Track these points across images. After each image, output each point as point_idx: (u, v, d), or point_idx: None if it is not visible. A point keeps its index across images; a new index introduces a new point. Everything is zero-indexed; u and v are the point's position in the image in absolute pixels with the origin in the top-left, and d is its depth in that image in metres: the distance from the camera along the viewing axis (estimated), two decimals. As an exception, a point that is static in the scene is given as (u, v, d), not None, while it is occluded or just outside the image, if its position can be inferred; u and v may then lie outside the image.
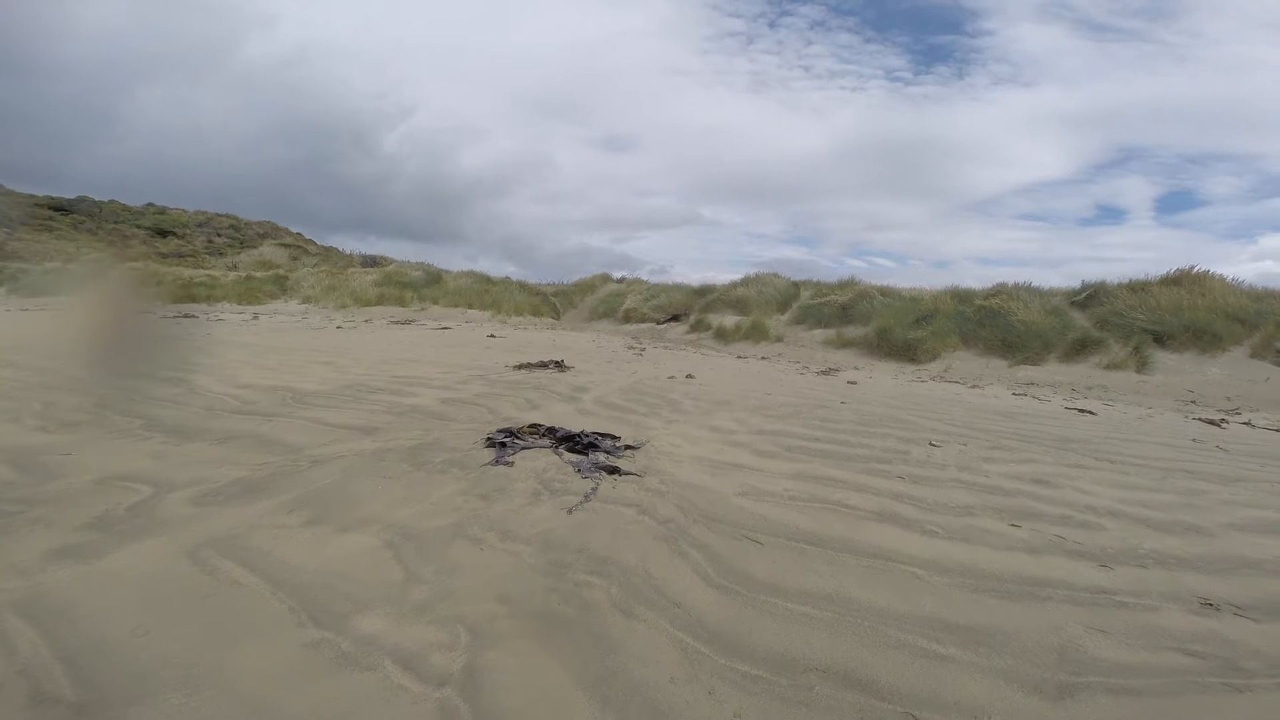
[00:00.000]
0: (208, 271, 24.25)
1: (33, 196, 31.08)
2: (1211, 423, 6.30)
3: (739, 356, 12.22)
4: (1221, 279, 12.22)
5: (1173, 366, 9.97)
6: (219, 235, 35.35)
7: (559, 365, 7.15)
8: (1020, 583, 2.05)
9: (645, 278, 22.56)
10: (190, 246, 32.49)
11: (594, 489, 2.72)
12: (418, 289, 20.92)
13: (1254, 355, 9.91)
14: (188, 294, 20.08)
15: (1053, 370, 10.42)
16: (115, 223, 31.74)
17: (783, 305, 16.47)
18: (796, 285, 17.37)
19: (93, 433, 3.30)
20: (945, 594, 1.94)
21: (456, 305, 19.86)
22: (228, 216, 37.87)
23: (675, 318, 17.84)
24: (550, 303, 21.43)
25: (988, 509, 2.79)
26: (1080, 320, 11.90)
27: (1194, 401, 8.23)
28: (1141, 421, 6.11)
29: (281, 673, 1.38)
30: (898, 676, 1.50)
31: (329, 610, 1.63)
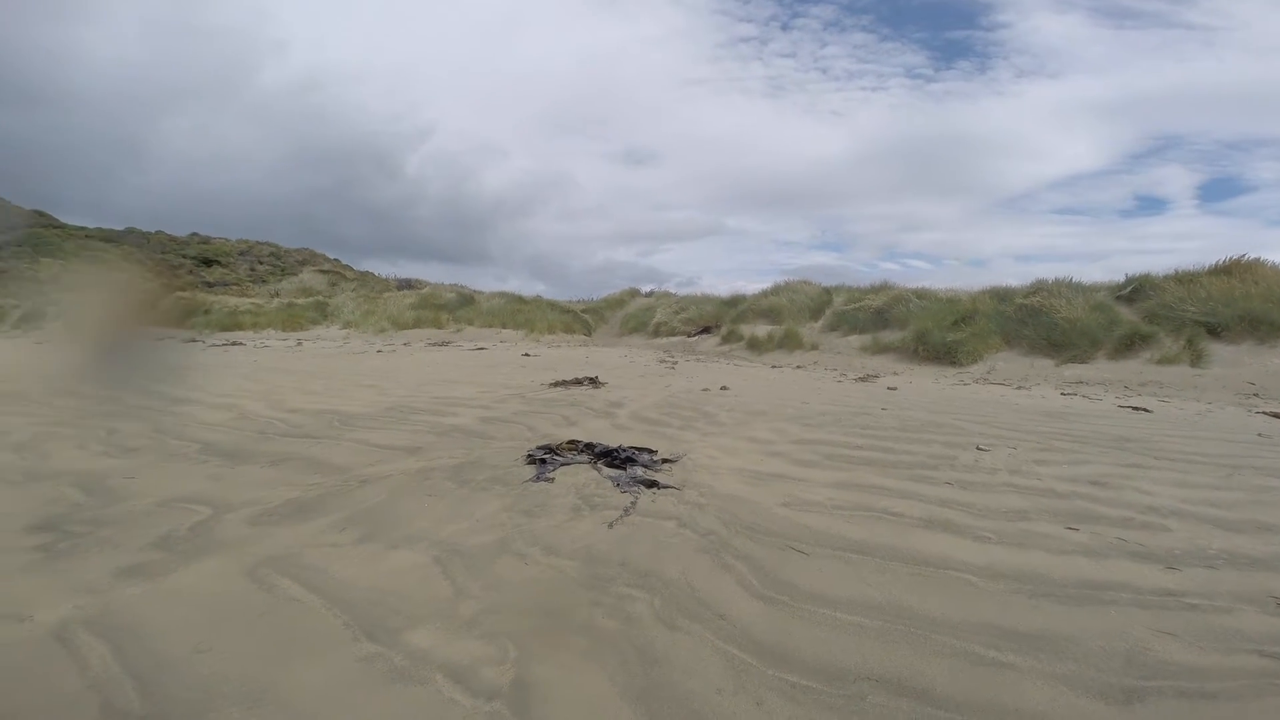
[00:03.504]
0: (252, 299, 25.16)
1: (84, 229, 32.72)
2: (1277, 416, 5.98)
3: (773, 366, 12.11)
4: (1274, 266, 11.61)
5: (1230, 359, 9.49)
6: (260, 263, 36.60)
7: (593, 382, 7.20)
8: (1081, 587, 1.98)
9: (673, 290, 22.54)
10: (234, 275, 33.70)
11: (633, 503, 2.73)
12: (452, 310, 21.34)
13: (1319, 344, 9.38)
14: (234, 322, 20.87)
15: (1101, 368, 10.03)
16: (162, 253, 33.16)
17: (815, 312, 16.24)
18: (829, 291, 17.10)
19: (153, 457, 3.46)
20: (1002, 600, 1.88)
21: (490, 325, 20.18)
22: (268, 244, 39.18)
23: (706, 330, 17.76)
24: (581, 320, 21.60)
25: (1043, 513, 2.70)
26: (1127, 315, 11.43)
27: (1256, 394, 7.82)
28: (1201, 417, 5.83)
29: (337, 687, 1.42)
30: (954, 684, 1.46)
31: (382, 625, 1.67)
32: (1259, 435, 4.81)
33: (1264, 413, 6.25)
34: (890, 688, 1.45)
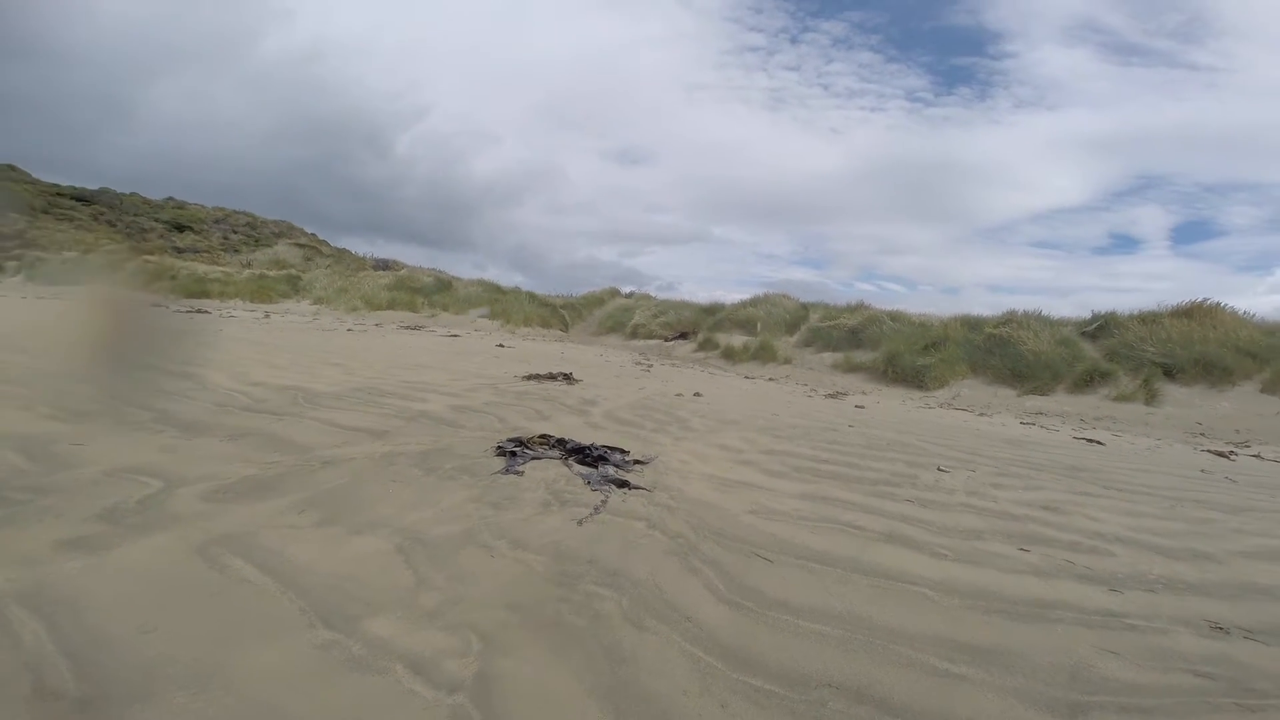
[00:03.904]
0: (222, 268, 24.44)
1: (56, 186, 31.57)
2: (1220, 454, 6.25)
3: (746, 377, 12.22)
4: (1233, 312, 12.13)
5: (1182, 399, 9.90)
6: (235, 233, 35.74)
7: (567, 378, 7.15)
8: (1030, 605, 2.05)
9: (653, 294, 22.55)
10: (206, 243, 32.85)
11: (604, 501, 2.72)
12: (428, 295, 21.03)
13: (1265, 390, 9.83)
14: (201, 290, 20.23)
15: (1061, 400, 10.37)
16: (135, 215, 32.13)
17: (791, 327, 16.42)
18: (806, 307, 17.31)
19: (105, 423, 3.32)
20: (956, 614, 1.93)
21: (466, 313, 19.95)
22: (244, 214, 38.29)
23: (683, 335, 17.83)
24: (559, 314, 21.46)
25: (997, 533, 2.78)
26: (1090, 351, 11.84)
27: (1203, 434, 8.17)
28: (1150, 452, 6.07)
29: (290, 674, 1.37)
30: (910, 694, 1.49)
31: (339, 612, 1.63)
32: (1202, 471, 5.02)
33: (1208, 451, 6.52)
34: (850, 695, 1.47)
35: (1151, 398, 9.91)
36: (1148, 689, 1.61)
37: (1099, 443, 6.43)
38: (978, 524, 2.89)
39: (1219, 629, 1.98)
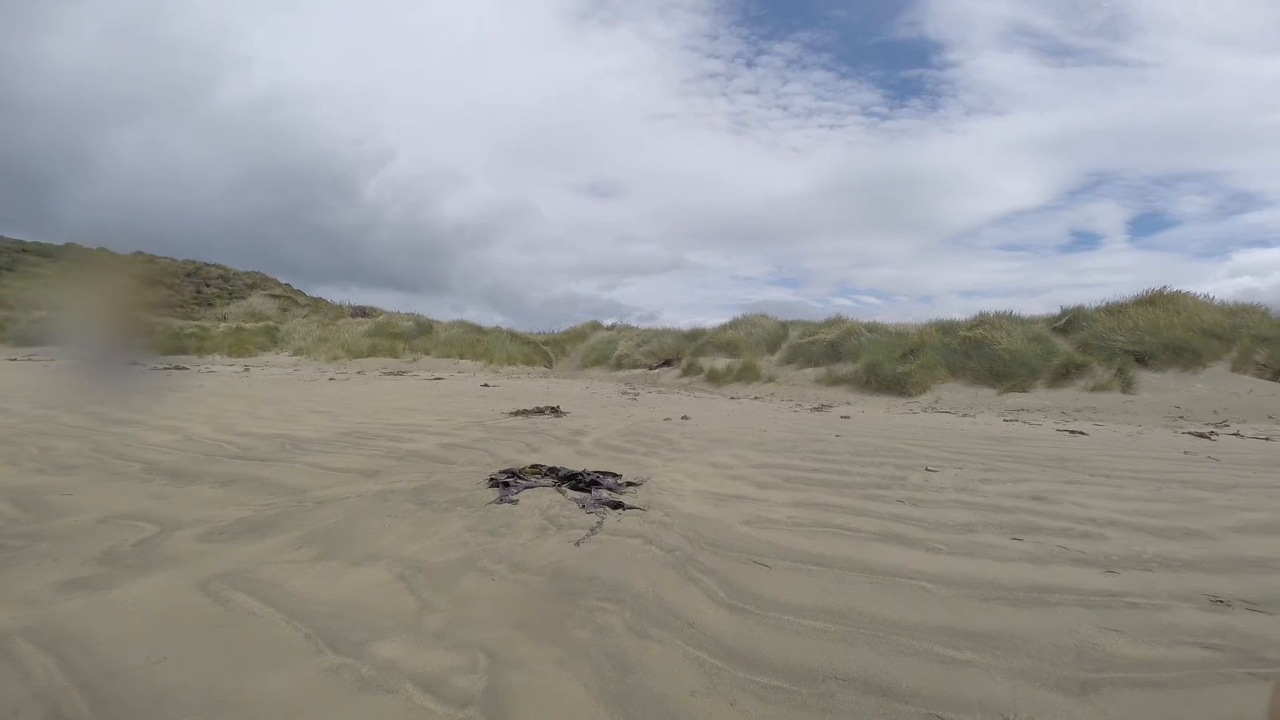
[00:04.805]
0: (198, 323, 24.17)
1: (20, 242, 31.05)
2: (1201, 435, 6.41)
3: (732, 398, 12.29)
4: (1194, 297, 12.53)
5: (1157, 385, 10.14)
6: (208, 285, 35.35)
7: (555, 411, 7.17)
8: (1028, 590, 2.08)
9: (635, 324, 22.66)
10: (179, 297, 32.45)
11: (599, 522, 2.73)
12: (409, 340, 20.94)
13: (1235, 369, 10.11)
14: (178, 345, 19.97)
15: (1041, 396, 10.56)
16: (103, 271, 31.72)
17: (772, 346, 16.60)
18: (785, 325, 17.53)
19: (92, 475, 3.31)
20: (955, 604, 1.96)
21: (448, 355, 19.88)
22: (216, 266, 37.86)
23: (667, 362, 17.92)
24: (542, 351, 21.47)
25: (989, 525, 2.83)
26: (1063, 345, 12.10)
27: (1182, 417, 8.36)
28: (1132, 438, 6.20)
29: (303, 696, 1.38)
30: (918, 681, 1.51)
31: (346, 638, 1.63)
32: (1185, 453, 5.14)
33: (1189, 433, 6.68)
34: (857, 685, 1.49)
35: (1127, 385, 10.14)
36: (1157, 663, 1.63)
37: (1081, 433, 6.56)
38: (969, 518, 2.94)
39: (1219, 602, 2.02)
